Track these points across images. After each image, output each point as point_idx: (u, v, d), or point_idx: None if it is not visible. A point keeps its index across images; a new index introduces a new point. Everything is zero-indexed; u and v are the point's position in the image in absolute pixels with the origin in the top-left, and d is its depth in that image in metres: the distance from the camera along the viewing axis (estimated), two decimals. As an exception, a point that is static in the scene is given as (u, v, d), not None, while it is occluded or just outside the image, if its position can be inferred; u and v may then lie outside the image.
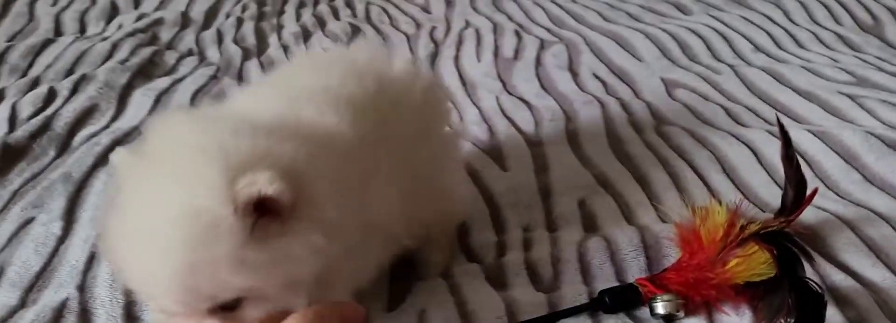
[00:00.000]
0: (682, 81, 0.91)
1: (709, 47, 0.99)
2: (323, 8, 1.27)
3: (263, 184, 0.36)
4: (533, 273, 0.60)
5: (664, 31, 1.04)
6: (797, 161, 0.57)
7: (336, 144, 0.44)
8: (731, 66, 0.93)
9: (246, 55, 1.07)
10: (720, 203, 0.57)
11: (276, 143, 0.40)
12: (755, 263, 0.52)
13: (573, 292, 0.56)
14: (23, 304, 0.56)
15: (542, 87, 0.94)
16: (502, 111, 0.88)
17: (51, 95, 0.89)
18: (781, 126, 0.58)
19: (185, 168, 0.38)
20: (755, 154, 0.72)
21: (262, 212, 0.38)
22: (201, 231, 0.36)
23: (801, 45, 0.98)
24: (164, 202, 0.37)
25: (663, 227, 0.62)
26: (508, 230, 0.66)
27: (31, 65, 0.99)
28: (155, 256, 0.37)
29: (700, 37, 1.02)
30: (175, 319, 0.40)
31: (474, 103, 0.91)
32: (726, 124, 0.79)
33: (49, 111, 0.85)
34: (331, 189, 0.41)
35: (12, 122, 0.82)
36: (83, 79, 0.94)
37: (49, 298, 0.56)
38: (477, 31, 1.12)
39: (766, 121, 0.80)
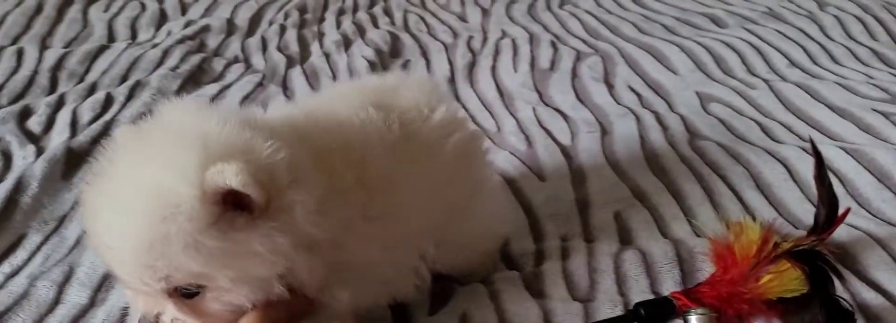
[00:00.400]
0: (716, 95, 0.93)
1: (744, 61, 1.01)
2: (362, 15, 1.31)
3: (229, 175, 0.37)
4: (570, 282, 0.62)
5: (699, 44, 1.06)
6: (829, 181, 0.58)
7: (335, 167, 0.45)
8: (765, 81, 0.94)
9: (290, 63, 1.11)
10: (754, 219, 0.59)
11: (266, 144, 0.40)
12: (787, 280, 0.54)
13: (608, 303, 0.59)
14: (93, 303, 0.60)
15: (578, 98, 0.96)
16: (539, 122, 0.90)
17: (108, 101, 0.93)
18: (814, 146, 0.60)
19: (166, 149, 0.40)
20: (789, 171, 0.73)
21: (235, 205, 0.39)
22: (163, 209, 0.38)
23: (836, 61, 0.99)
24: (136, 178, 0.39)
25: (698, 241, 0.64)
26: (547, 239, 0.68)
27: (87, 70, 1.04)
28: (117, 227, 0.39)
29: (735, 51, 1.03)
30: (137, 297, 0.42)
31: (512, 114, 0.94)
32: (760, 140, 0.81)
33: (107, 116, 0.89)
34: (311, 200, 0.41)
35: (74, 127, 0.87)
36: (137, 85, 0.98)
37: (116, 298, 0.60)
38: (513, 42, 1.14)
39: (799, 137, 0.81)
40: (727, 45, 1.05)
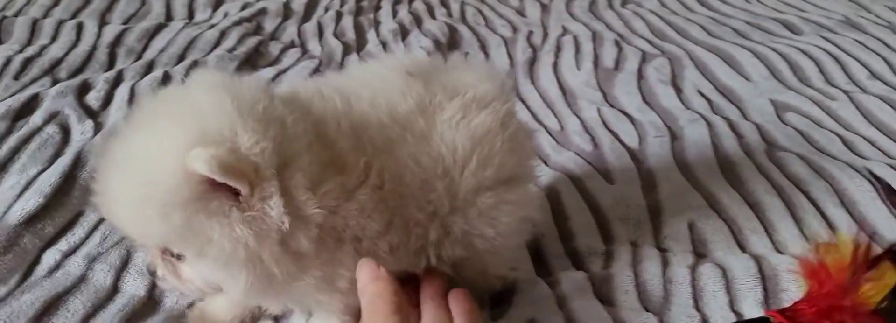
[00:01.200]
0: (793, 105, 0.89)
1: (821, 70, 0.96)
2: (418, 5, 1.28)
3: (200, 162, 0.38)
4: (642, 291, 0.59)
5: (773, 50, 1.02)
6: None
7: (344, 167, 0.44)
8: (845, 92, 0.90)
9: (346, 50, 1.09)
10: (845, 237, 0.55)
11: (263, 129, 0.40)
12: (888, 285, 0.51)
13: (685, 317, 0.56)
14: (149, 296, 0.59)
15: (645, 100, 0.93)
16: (604, 123, 0.87)
17: (166, 80, 0.92)
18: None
19: (167, 121, 0.41)
20: (876, 189, 0.69)
21: (227, 187, 0.39)
22: (146, 174, 0.40)
23: (920, 75, 0.94)
24: (136, 142, 0.41)
25: (781, 258, 0.60)
26: (616, 242, 0.66)
27: (145, 48, 1.03)
28: (112, 182, 0.41)
29: (812, 59, 0.99)
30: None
31: (575, 113, 0.90)
32: (843, 154, 0.77)
33: (165, 96, 0.88)
34: (304, 182, 0.41)
35: (132, 103, 0.85)
36: (195, 65, 0.97)
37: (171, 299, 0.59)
38: (575, 39, 1.11)
39: (884, 153, 0.77)
40: (803, 52, 1.00)
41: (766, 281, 0.58)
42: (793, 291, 0.57)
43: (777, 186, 0.72)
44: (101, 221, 0.66)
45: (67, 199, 0.67)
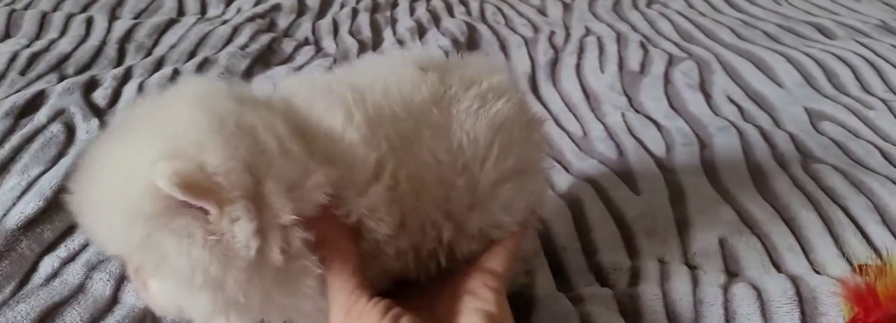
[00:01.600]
0: (828, 113, 0.84)
1: (857, 77, 0.92)
2: (437, 3, 1.25)
3: (160, 177, 0.36)
4: (671, 311, 0.56)
5: (807, 55, 0.97)
6: None
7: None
8: (883, 101, 0.86)
9: (362, 48, 1.05)
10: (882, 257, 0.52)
11: (232, 152, 0.38)
12: None
13: (717, 341, 0.52)
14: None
15: (672, 106, 0.89)
16: (629, 129, 0.83)
17: (175, 77, 0.89)
18: None
19: (147, 131, 0.40)
20: (921, 205, 0.65)
21: (200, 209, 0.38)
22: (116, 185, 0.38)
23: (963, 83, 0.89)
24: (113, 150, 0.40)
25: (821, 280, 0.57)
26: (643, 257, 0.62)
27: (155, 44, 1.00)
28: (83, 188, 0.40)
29: (848, 65, 0.94)
30: None
31: (598, 118, 0.87)
32: (882, 167, 0.73)
33: (174, 93, 0.85)
34: (273, 203, 0.38)
35: (139, 102, 0.83)
36: (205, 62, 0.94)
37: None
38: (599, 40, 1.07)
39: (927, 166, 0.73)
40: (839, 58, 0.96)
41: (805, 304, 0.55)
42: (832, 315, 0.53)
43: (813, 200, 0.68)
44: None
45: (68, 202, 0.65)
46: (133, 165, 0.38)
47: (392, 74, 0.46)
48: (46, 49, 0.93)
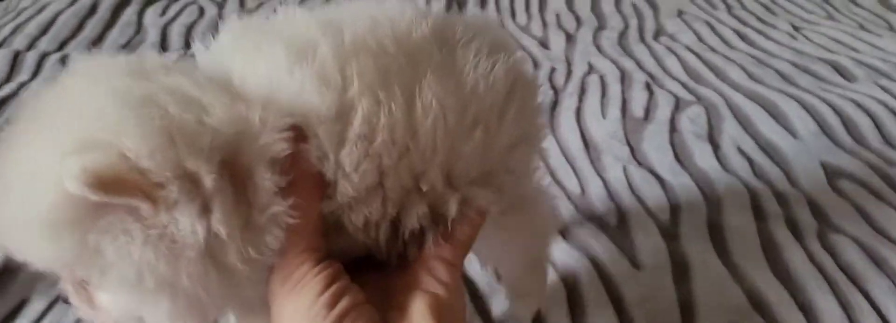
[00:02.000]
0: (847, 170, 0.78)
1: (879, 128, 0.86)
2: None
3: (68, 175, 0.30)
4: None
5: (823, 100, 0.91)
6: None
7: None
8: (907, 157, 0.80)
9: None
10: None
11: (138, 126, 0.32)
12: None
13: None
14: None
15: (677, 158, 0.83)
16: (631, 186, 0.78)
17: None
18: None
19: (49, 125, 0.34)
20: (951, 290, 0.59)
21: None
22: (27, 194, 0.32)
23: None
24: (15, 154, 0.34)
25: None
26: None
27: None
28: (5, 196, 0.34)
29: (867, 113, 0.88)
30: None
31: (598, 172, 0.81)
32: (908, 238, 0.67)
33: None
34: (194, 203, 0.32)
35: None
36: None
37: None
38: (602, 79, 1.01)
39: (957, 238, 0.67)
40: (858, 104, 0.90)
41: None
42: None
43: (830, 280, 0.62)
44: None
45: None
46: (41, 167, 0.32)
47: (384, 12, 0.38)
48: (15, 93, 0.89)
